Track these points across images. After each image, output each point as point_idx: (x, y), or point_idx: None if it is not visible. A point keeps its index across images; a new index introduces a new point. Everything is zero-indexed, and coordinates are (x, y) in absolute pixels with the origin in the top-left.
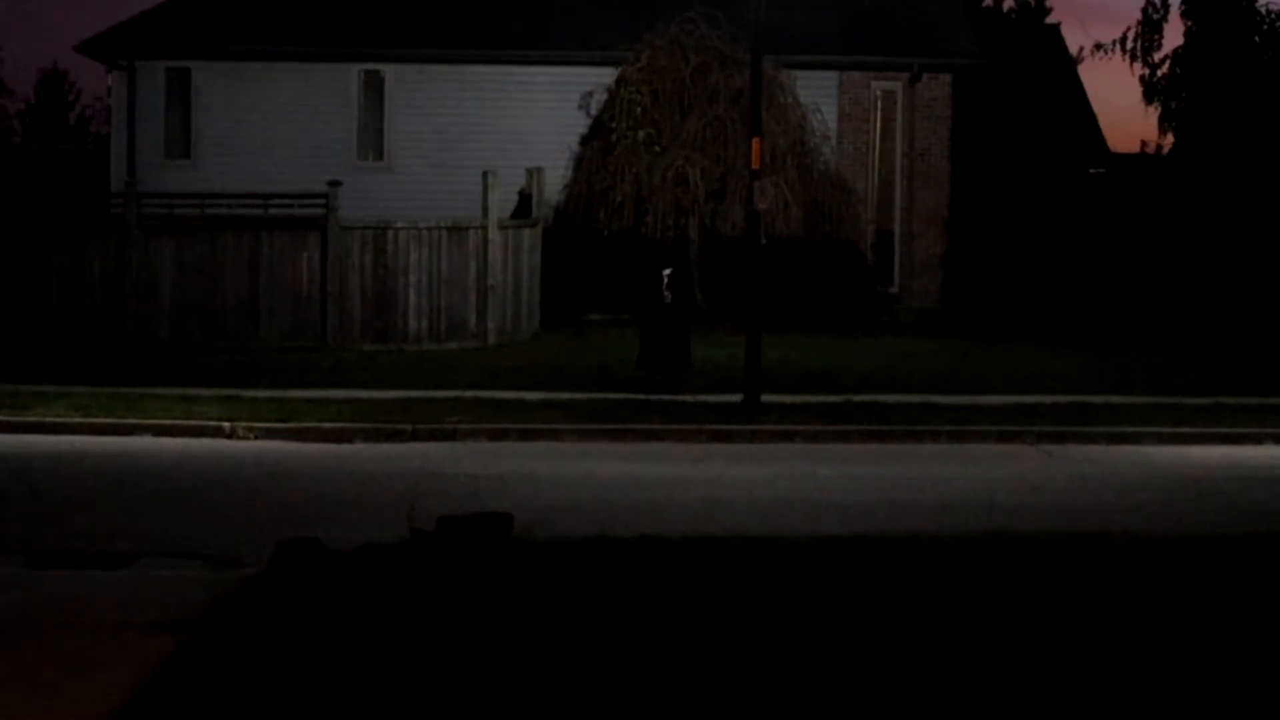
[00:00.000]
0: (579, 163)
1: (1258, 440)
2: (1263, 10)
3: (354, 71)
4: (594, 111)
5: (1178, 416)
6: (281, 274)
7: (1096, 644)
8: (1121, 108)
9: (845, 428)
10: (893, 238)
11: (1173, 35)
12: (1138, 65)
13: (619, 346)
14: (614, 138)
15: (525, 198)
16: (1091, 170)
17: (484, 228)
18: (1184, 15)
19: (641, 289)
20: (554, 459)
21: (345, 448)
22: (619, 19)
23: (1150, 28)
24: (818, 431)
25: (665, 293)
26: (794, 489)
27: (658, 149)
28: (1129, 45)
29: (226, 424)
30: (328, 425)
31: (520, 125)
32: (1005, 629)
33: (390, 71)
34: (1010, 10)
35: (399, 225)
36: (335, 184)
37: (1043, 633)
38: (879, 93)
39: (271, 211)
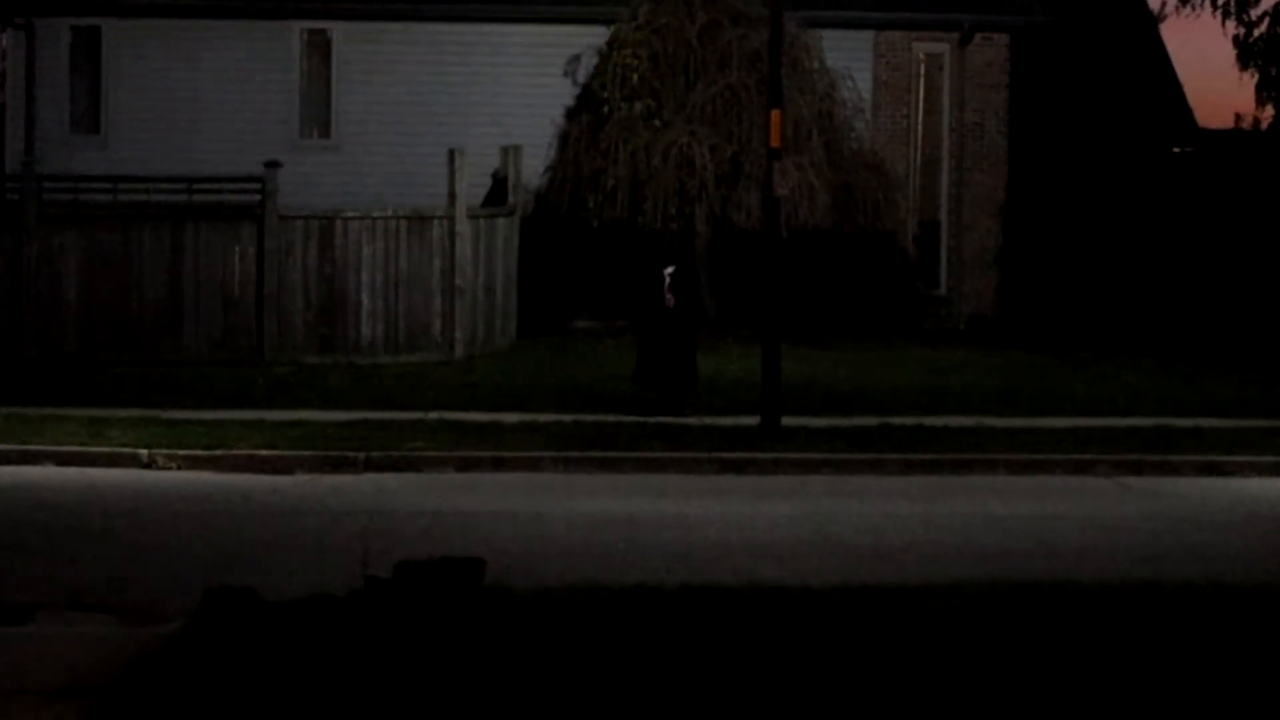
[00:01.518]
0: (564, 140)
1: None
2: None
3: (295, 30)
4: (582, 79)
5: None
6: (209, 272)
7: None
8: (1212, 74)
9: (881, 456)
10: (939, 229)
11: None
12: (1231, 24)
13: (612, 359)
14: (606, 110)
15: (500, 182)
16: (1176, 149)
17: (450, 218)
18: None
19: (639, 291)
20: (534, 493)
21: (285, 480)
22: None
23: None
24: (848, 461)
25: (667, 295)
26: (820, 529)
27: (658, 124)
28: (1221, 0)
29: (144, 451)
30: (264, 453)
31: (494, 96)
32: (1066, 705)
33: (338, 30)
34: None
35: (349, 214)
36: (273, 165)
37: (1112, 710)
38: (923, 56)
39: (197, 198)
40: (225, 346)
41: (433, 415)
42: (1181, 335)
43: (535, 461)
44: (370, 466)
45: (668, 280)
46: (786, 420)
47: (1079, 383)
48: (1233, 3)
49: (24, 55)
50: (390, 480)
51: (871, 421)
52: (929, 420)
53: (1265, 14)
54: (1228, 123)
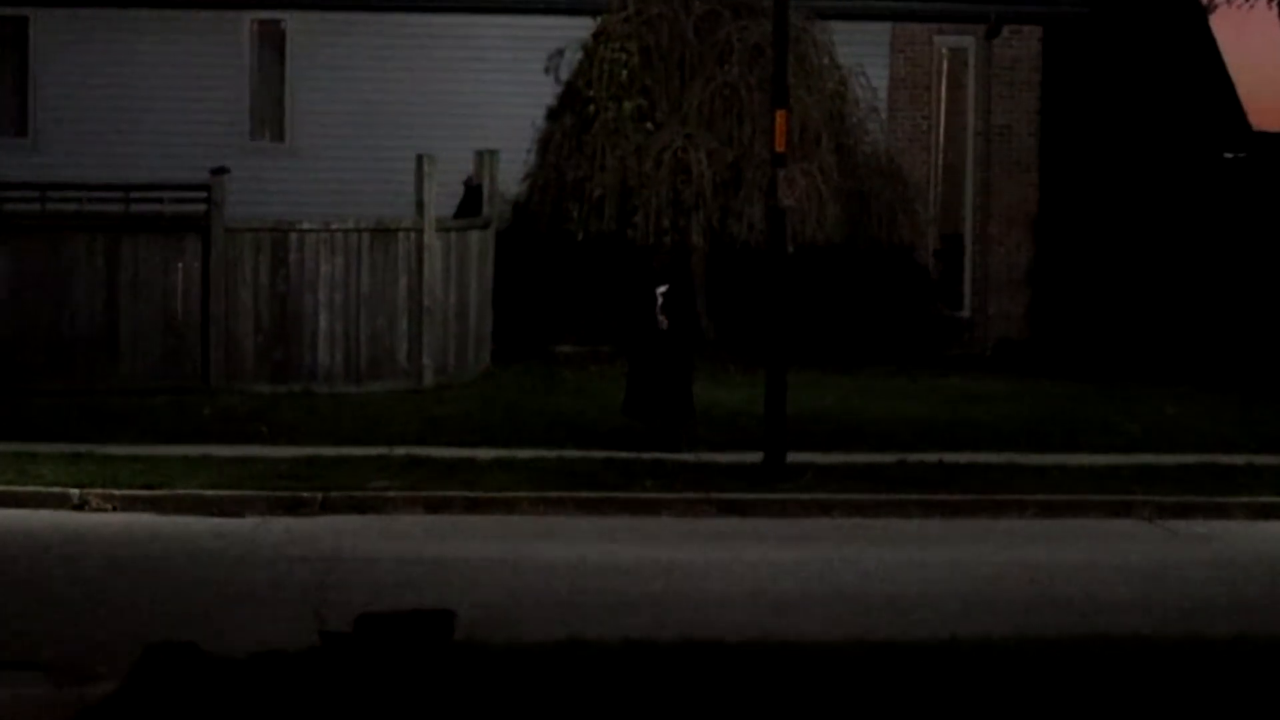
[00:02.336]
0: (545, 144)
1: None
2: None
3: (245, 21)
4: (565, 76)
5: None
6: (149, 290)
7: None
8: (1268, 72)
9: (899, 497)
10: (962, 243)
11: None
12: None
13: (598, 388)
14: (592, 110)
15: (474, 190)
16: (1228, 154)
17: (418, 230)
18: None
19: (628, 312)
20: (512, 538)
21: (234, 523)
22: None
23: None
24: (862, 502)
25: (660, 317)
26: (831, 578)
27: (650, 126)
28: None
29: (75, 491)
30: (210, 493)
31: (467, 95)
32: None
33: (292, 21)
34: None
35: (305, 227)
36: (220, 171)
37: None
38: (945, 51)
39: (136, 208)
40: (167, 374)
41: (398, 451)
42: (1233, 361)
43: (512, 502)
44: (328, 508)
45: (660, 300)
46: (793, 456)
47: (1119, 415)
48: None
49: None
50: (351, 523)
51: (888, 458)
52: (952, 456)
53: None
54: None
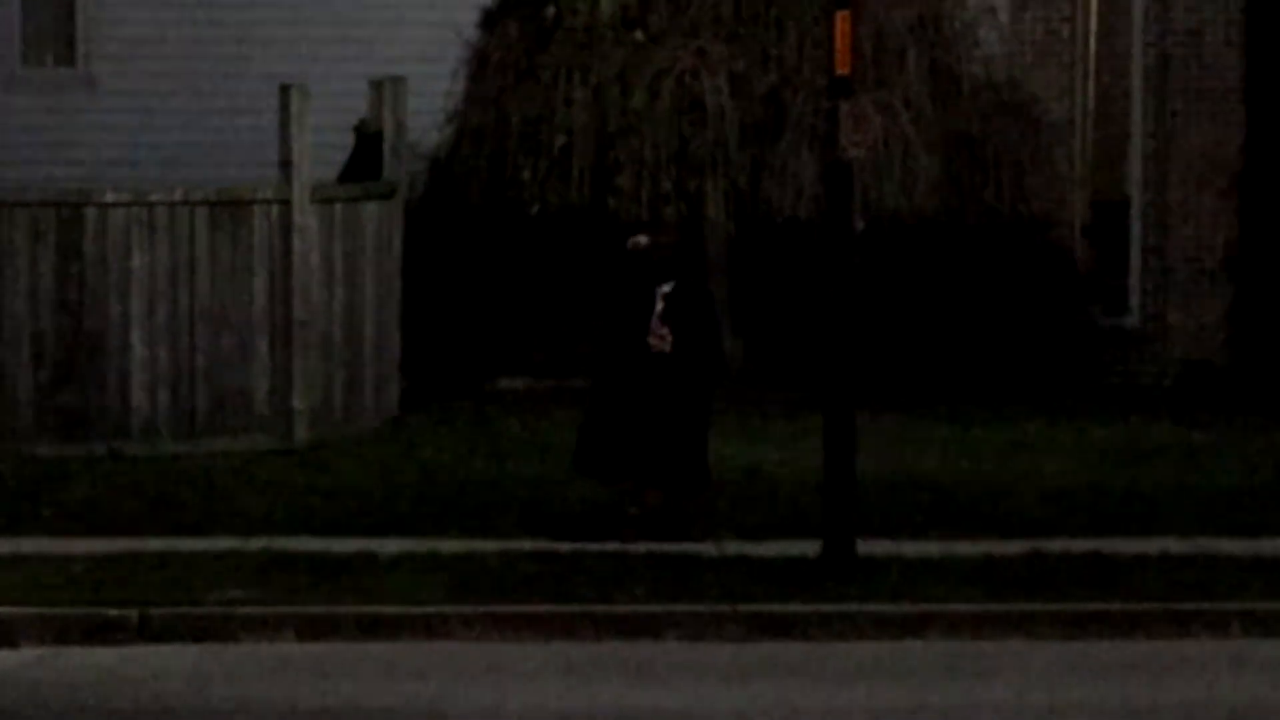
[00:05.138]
0: (479, 67)
1: None
2: None
3: None
4: None
5: None
6: None
7: None
8: None
9: (1029, 607)
10: (1127, 214)
11: None
12: None
13: (563, 444)
14: (551, 12)
15: (370, 140)
16: None
17: (284, 201)
18: None
19: (608, 322)
20: (434, 677)
21: (2, 656)
22: None
23: None
24: (971, 616)
25: (659, 331)
26: None
27: (641, 36)
28: None
29: None
30: None
31: None
32: None
33: None
34: None
35: (110, 199)
36: None
37: None
38: None
39: None
40: None
41: (255, 543)
42: None
43: (434, 621)
44: (149, 633)
45: (661, 303)
46: (866, 546)
47: None
48: None
49: None
50: (184, 656)
51: (1013, 547)
52: (1112, 545)
53: None
54: None
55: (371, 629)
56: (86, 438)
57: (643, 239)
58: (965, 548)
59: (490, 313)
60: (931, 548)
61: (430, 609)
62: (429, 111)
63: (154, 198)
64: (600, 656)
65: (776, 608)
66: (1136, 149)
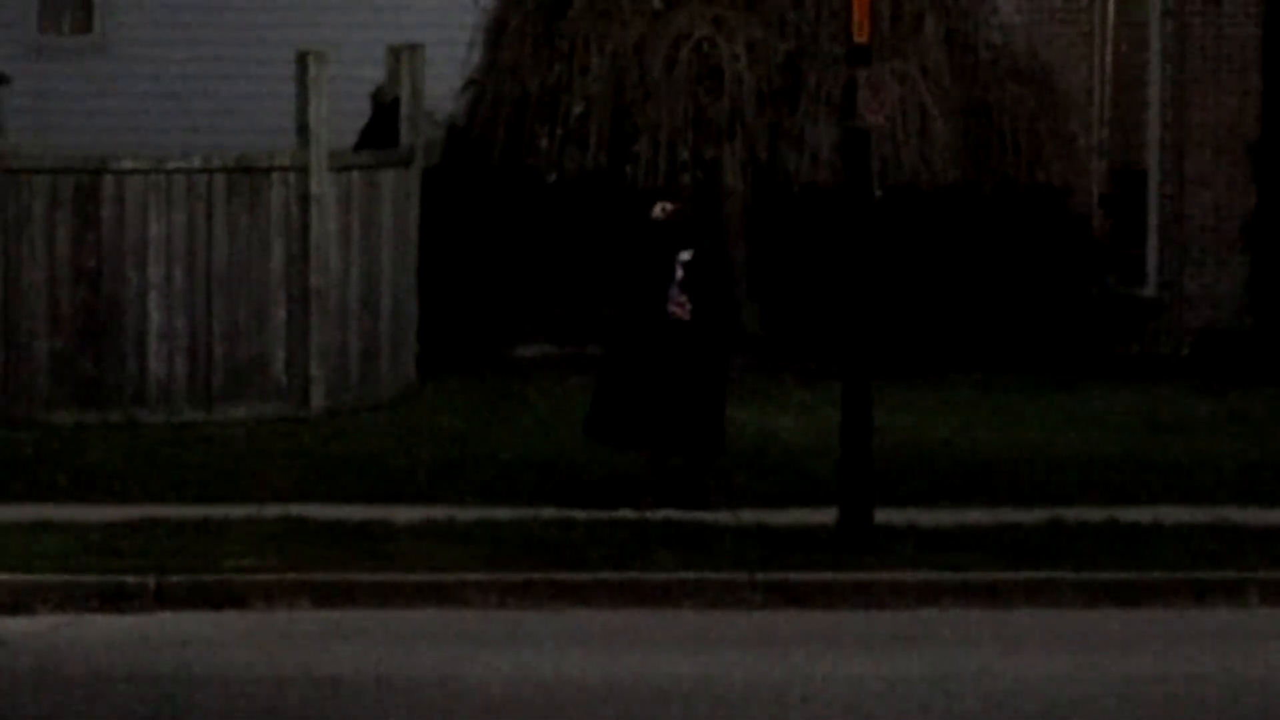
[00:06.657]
0: (496, 35)
1: None
2: None
3: None
4: None
5: None
6: None
7: None
8: None
9: (1047, 575)
10: (1144, 184)
11: None
12: None
13: (582, 411)
14: None
15: (387, 109)
16: None
17: (302, 169)
18: None
19: (625, 290)
20: (449, 644)
21: (20, 624)
22: None
23: None
24: (990, 584)
25: (678, 299)
26: (944, 706)
27: (658, 4)
28: None
29: None
30: None
31: None
32: None
33: None
34: None
35: (128, 165)
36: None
37: None
38: None
39: None
40: None
41: (271, 511)
42: None
43: (450, 589)
44: (166, 600)
45: (680, 272)
46: (884, 515)
47: None
48: None
49: None
50: (201, 623)
51: (1030, 516)
52: (1130, 514)
53: None
54: None
55: (388, 596)
56: (103, 405)
57: (666, 207)
58: (983, 516)
59: (507, 280)
60: (949, 516)
61: (447, 576)
62: (446, 79)
63: (171, 165)
64: (617, 624)
65: (793, 576)
66: (1154, 118)
